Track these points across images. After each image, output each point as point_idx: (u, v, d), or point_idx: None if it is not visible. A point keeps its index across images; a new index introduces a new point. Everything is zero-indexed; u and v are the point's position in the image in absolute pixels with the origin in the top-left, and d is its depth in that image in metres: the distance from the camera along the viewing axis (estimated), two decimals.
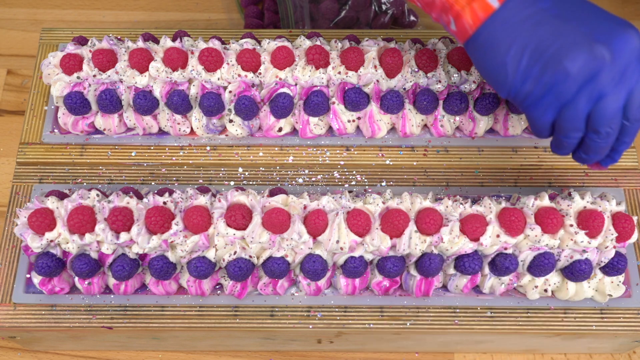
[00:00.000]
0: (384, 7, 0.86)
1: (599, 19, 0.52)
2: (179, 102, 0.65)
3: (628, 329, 0.62)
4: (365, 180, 0.68)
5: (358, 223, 0.57)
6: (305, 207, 0.59)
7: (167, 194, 0.60)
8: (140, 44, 0.65)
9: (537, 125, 0.55)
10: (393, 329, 0.62)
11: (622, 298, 0.63)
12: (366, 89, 0.66)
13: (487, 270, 0.60)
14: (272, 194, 0.61)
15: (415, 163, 0.68)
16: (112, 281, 0.61)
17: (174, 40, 0.67)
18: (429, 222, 0.57)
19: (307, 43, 0.66)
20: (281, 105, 0.65)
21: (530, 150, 0.69)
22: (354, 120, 0.67)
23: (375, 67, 0.65)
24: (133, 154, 0.69)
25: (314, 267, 0.58)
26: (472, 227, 0.57)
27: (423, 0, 0.55)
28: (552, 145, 0.57)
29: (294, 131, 0.69)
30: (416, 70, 0.65)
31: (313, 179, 0.68)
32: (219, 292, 0.63)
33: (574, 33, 0.51)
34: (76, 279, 0.61)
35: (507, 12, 0.52)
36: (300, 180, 0.68)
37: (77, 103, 0.65)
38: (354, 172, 0.68)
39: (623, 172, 0.68)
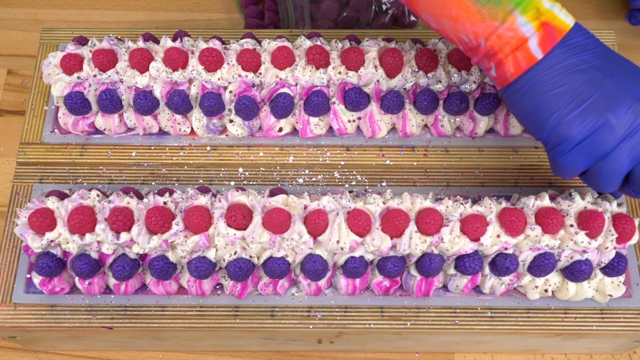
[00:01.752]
0: (384, 7, 0.86)
1: (638, 76, 0.52)
2: (180, 102, 0.65)
3: (628, 329, 0.62)
4: (366, 180, 0.68)
5: (358, 223, 0.57)
6: (305, 207, 0.59)
7: (167, 194, 0.60)
8: (141, 44, 0.65)
9: (564, 170, 0.54)
10: (393, 329, 0.62)
11: (622, 298, 0.63)
12: (366, 89, 0.66)
13: (487, 270, 0.60)
14: (272, 194, 0.61)
15: (415, 163, 0.68)
16: (112, 281, 0.61)
17: (174, 40, 0.67)
18: (429, 222, 0.57)
19: (308, 43, 0.66)
20: (281, 105, 0.65)
21: (530, 150, 0.69)
22: (354, 120, 0.67)
23: (375, 67, 0.65)
24: (133, 154, 0.69)
25: (314, 267, 0.58)
26: (473, 227, 0.57)
27: (467, 44, 0.54)
28: (559, 172, 0.56)
29: (295, 131, 0.69)
30: (416, 70, 0.65)
31: (313, 179, 0.68)
32: (219, 292, 0.63)
33: (615, 87, 0.51)
34: (76, 279, 0.61)
35: (549, 61, 0.52)
36: (301, 181, 0.68)
37: (77, 103, 0.65)
38: (354, 172, 0.68)
39: None
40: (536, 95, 0.52)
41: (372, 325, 0.62)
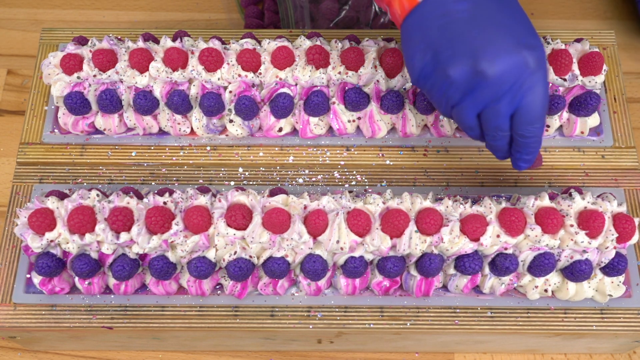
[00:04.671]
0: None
1: (502, 33, 0.53)
2: (179, 102, 0.65)
3: (628, 329, 0.62)
4: (366, 180, 0.68)
5: (358, 223, 0.57)
6: (305, 207, 0.59)
7: (167, 194, 0.60)
8: (141, 44, 0.65)
9: (439, 111, 0.58)
10: (393, 329, 0.62)
11: (622, 298, 0.63)
12: (366, 89, 0.66)
13: (487, 270, 0.60)
14: (272, 194, 0.61)
15: (415, 163, 0.69)
16: (112, 281, 0.61)
17: (174, 40, 0.67)
18: (429, 222, 0.57)
19: (307, 43, 0.66)
20: (281, 105, 0.65)
21: None
22: (354, 120, 0.68)
23: (375, 67, 0.65)
24: (133, 154, 0.69)
25: (314, 267, 0.58)
26: (473, 227, 0.57)
27: None
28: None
29: (294, 131, 0.69)
30: None
31: (313, 179, 0.68)
32: (219, 292, 0.63)
33: (466, 45, 0.53)
34: (76, 279, 0.61)
35: (426, 7, 0.54)
36: (301, 180, 0.68)
37: (77, 103, 0.65)
38: (354, 172, 0.68)
39: (623, 172, 0.68)
40: (410, 45, 0.55)
41: (372, 325, 0.62)
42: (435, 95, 0.55)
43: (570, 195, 0.60)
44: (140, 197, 0.61)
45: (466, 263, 0.59)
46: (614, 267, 0.60)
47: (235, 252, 0.59)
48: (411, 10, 0.54)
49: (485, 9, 0.53)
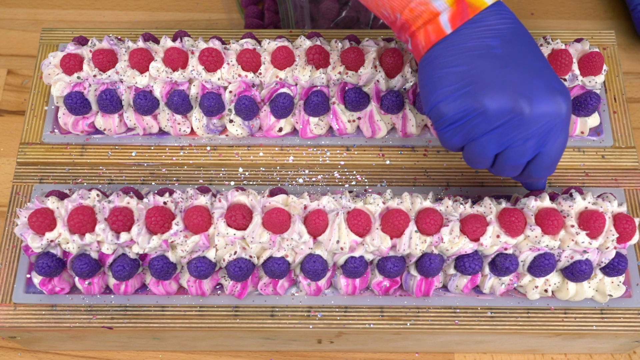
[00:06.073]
0: None
1: (535, 74, 0.53)
2: (179, 102, 0.65)
3: (628, 329, 0.62)
4: (366, 180, 0.68)
5: (358, 223, 0.57)
6: (305, 207, 0.59)
7: (167, 194, 0.60)
8: (141, 44, 0.65)
9: (445, 145, 0.56)
10: (393, 329, 0.62)
11: (622, 298, 0.63)
12: (366, 89, 0.66)
13: (487, 270, 0.60)
14: (272, 194, 0.61)
15: (415, 163, 0.69)
16: (112, 281, 0.61)
17: (174, 40, 0.67)
18: (429, 222, 0.57)
19: (307, 43, 0.66)
20: (281, 105, 0.65)
21: None
22: (354, 120, 0.68)
23: (375, 67, 0.65)
24: (133, 154, 0.69)
25: (314, 267, 0.58)
26: (473, 227, 0.57)
27: (387, 18, 0.56)
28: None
29: (294, 131, 0.69)
30: (416, 70, 0.65)
31: (313, 179, 0.68)
32: (219, 292, 0.63)
33: (503, 79, 0.51)
34: (76, 279, 0.61)
35: (455, 39, 0.53)
36: (301, 180, 0.68)
37: (77, 103, 0.65)
38: (354, 172, 0.68)
39: (623, 172, 0.68)
40: (431, 69, 0.53)
41: (372, 325, 0.62)
42: (452, 123, 0.53)
43: (571, 195, 0.60)
44: (140, 197, 0.61)
45: (466, 263, 0.59)
46: (614, 267, 0.60)
47: (235, 252, 0.59)
48: (437, 42, 0.53)
49: (515, 48, 0.53)
